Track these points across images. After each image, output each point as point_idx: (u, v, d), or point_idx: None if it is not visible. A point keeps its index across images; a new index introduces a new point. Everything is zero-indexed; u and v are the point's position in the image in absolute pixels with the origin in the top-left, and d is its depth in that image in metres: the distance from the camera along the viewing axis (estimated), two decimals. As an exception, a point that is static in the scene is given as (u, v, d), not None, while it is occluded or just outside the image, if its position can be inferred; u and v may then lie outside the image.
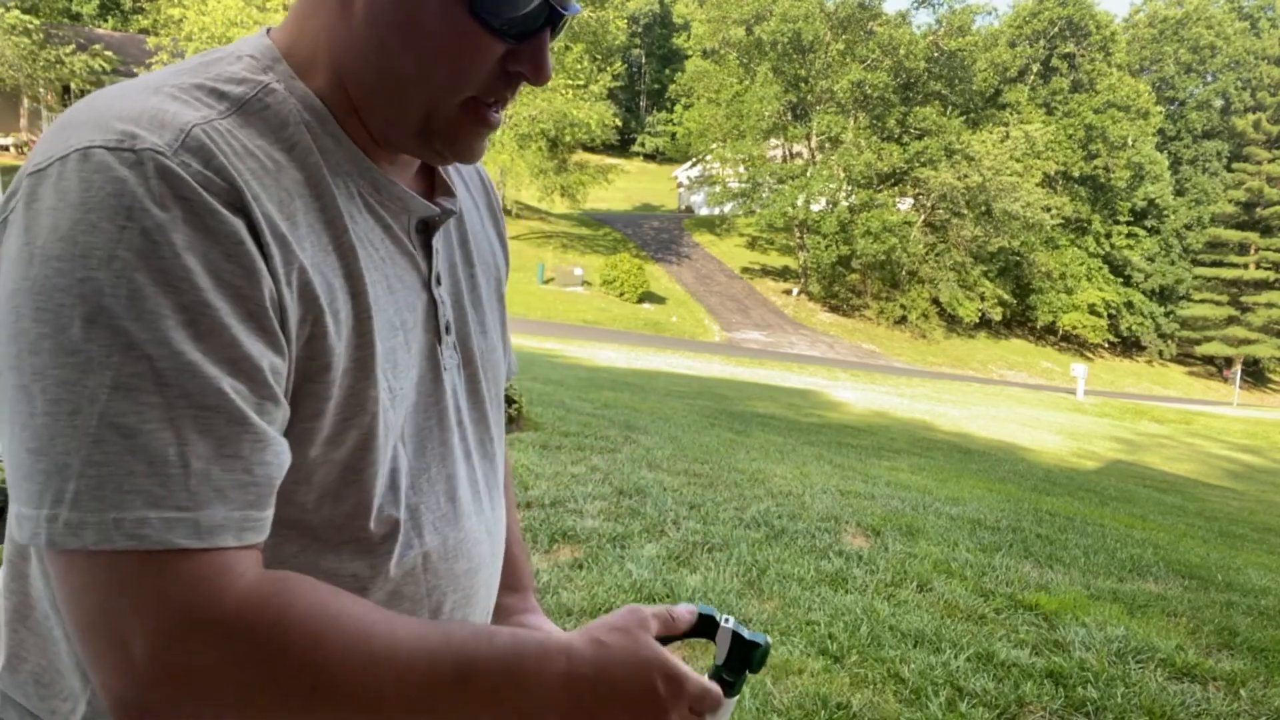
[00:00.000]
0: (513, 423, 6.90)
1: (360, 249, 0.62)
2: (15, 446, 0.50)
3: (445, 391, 0.71)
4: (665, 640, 0.66)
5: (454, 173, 0.77)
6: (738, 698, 0.74)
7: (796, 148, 41.01)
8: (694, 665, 0.72)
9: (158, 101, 0.55)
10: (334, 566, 0.62)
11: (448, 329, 0.72)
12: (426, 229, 0.70)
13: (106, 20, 43.57)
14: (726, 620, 0.72)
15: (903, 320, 38.85)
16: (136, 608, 0.48)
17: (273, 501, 0.54)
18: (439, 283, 0.71)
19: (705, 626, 0.71)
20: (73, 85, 31.36)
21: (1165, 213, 46.92)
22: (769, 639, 0.73)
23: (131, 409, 0.48)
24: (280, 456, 0.54)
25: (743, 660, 0.71)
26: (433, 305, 0.70)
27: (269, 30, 0.67)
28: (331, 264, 0.60)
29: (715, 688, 0.67)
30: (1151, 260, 47.03)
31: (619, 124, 36.72)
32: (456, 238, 0.76)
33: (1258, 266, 48.81)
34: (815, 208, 38.68)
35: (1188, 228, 48.87)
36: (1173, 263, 48.26)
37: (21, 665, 0.62)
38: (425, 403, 0.69)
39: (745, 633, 0.72)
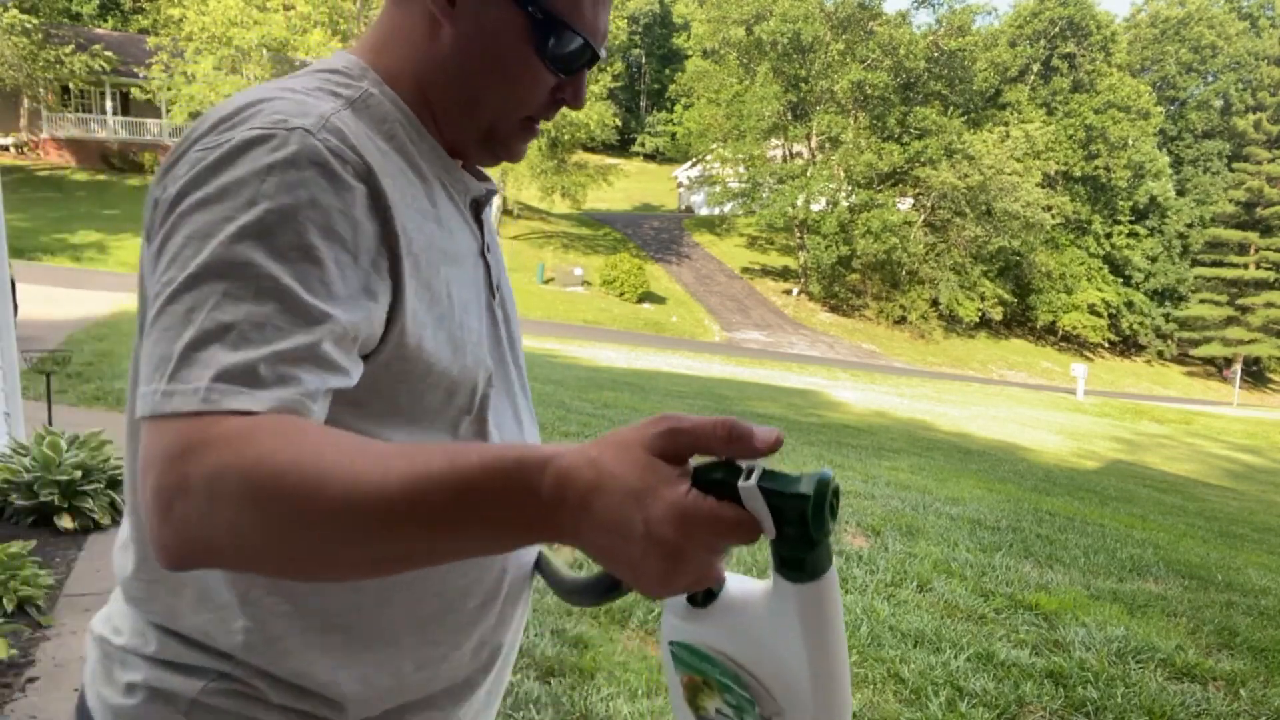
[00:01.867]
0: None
1: (444, 223, 0.77)
2: (175, 317, 0.60)
3: (501, 338, 0.86)
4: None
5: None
6: (832, 572, 0.54)
7: (796, 148, 40.98)
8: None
9: (299, 97, 0.70)
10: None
11: (497, 288, 0.86)
12: (477, 207, 0.85)
13: (106, 20, 43.55)
14: (748, 478, 0.50)
15: (903, 320, 38.83)
16: None
17: (318, 390, 0.61)
18: (489, 250, 0.85)
19: (730, 477, 0.51)
20: (72, 85, 31.37)
21: (1167, 212, 46.89)
22: (825, 474, 0.50)
23: (251, 310, 0.59)
24: (331, 376, 0.62)
25: (795, 521, 0.50)
26: (486, 269, 0.85)
27: (343, 49, 0.83)
28: (429, 231, 0.74)
29: (730, 510, 0.50)
30: (1153, 260, 47.01)
31: (619, 124, 36.69)
32: (492, 231, 0.90)
33: (1258, 266, 48.79)
34: (815, 208, 38.66)
35: (1189, 227, 48.85)
36: (1174, 262, 48.25)
37: (182, 589, 0.70)
38: (490, 345, 0.82)
39: (781, 481, 0.50)
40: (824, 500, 0.49)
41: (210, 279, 0.60)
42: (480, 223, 0.85)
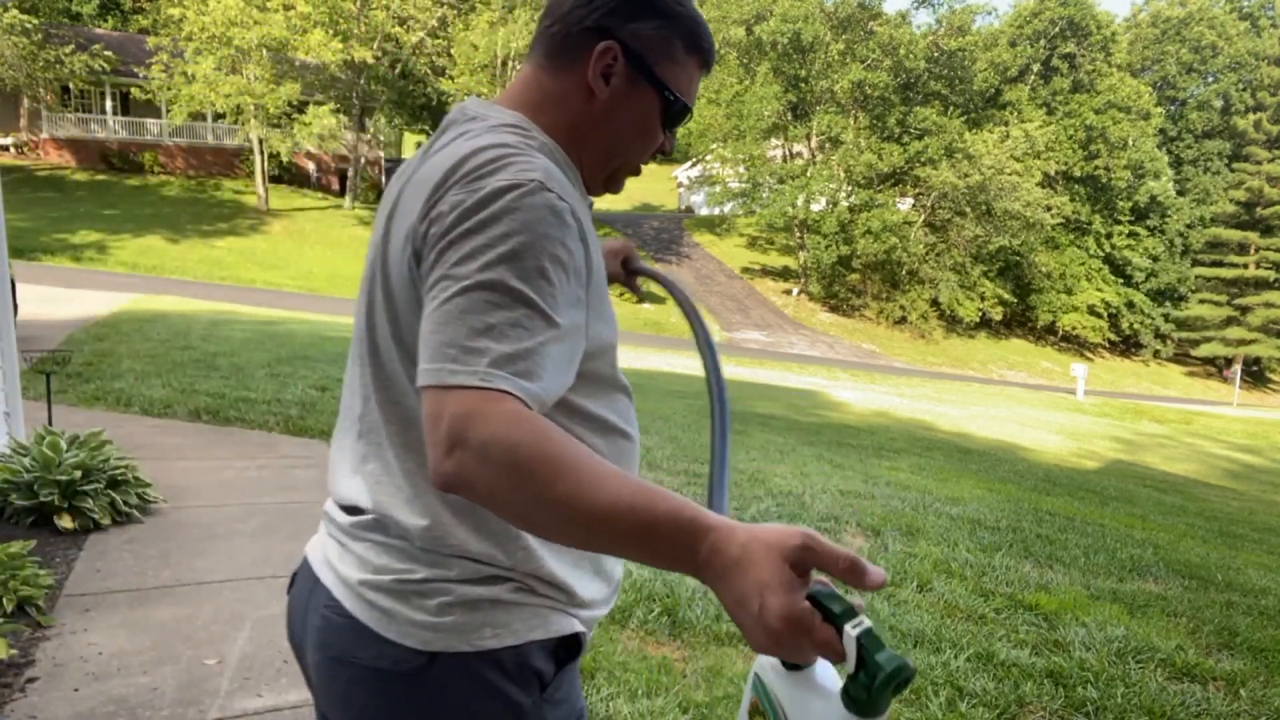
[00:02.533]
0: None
1: (592, 232, 0.97)
2: (451, 314, 0.82)
3: None
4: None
5: None
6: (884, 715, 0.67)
7: (796, 148, 40.96)
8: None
9: (525, 156, 0.91)
10: (624, 404, 1.05)
11: None
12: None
13: (106, 20, 43.54)
14: (857, 625, 0.65)
15: (903, 320, 38.82)
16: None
17: (559, 390, 0.86)
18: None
19: (840, 617, 0.67)
20: (72, 85, 31.36)
21: (1168, 211, 46.87)
22: (907, 664, 0.64)
23: (516, 316, 0.81)
24: (566, 376, 0.87)
25: (869, 679, 0.64)
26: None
27: (501, 103, 1.06)
28: (596, 244, 0.97)
29: (831, 638, 0.66)
30: (1155, 259, 47.00)
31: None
32: None
33: (1258, 266, 48.79)
34: (815, 208, 38.64)
35: (1189, 227, 48.85)
36: (1175, 262, 48.25)
37: (464, 530, 0.92)
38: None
39: (875, 646, 0.64)
40: (896, 680, 0.64)
41: (477, 290, 0.81)
42: None
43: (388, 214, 0.99)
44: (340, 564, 0.98)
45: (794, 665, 0.78)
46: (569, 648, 0.97)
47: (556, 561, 0.96)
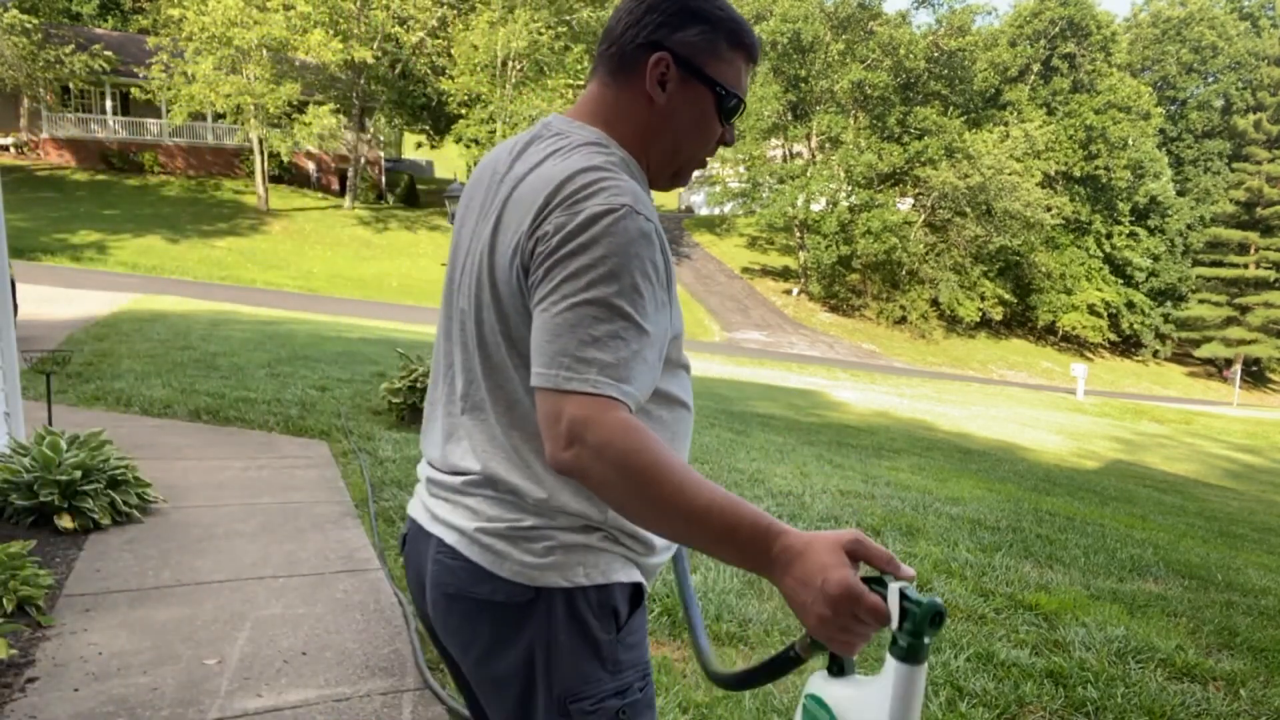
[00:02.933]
0: (513, 423, 6.91)
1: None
2: (562, 326, 0.98)
3: None
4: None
5: None
6: (924, 666, 0.85)
7: (796, 148, 40.96)
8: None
9: (613, 177, 1.04)
10: (684, 379, 1.20)
11: None
12: None
13: (106, 20, 43.52)
14: (904, 588, 0.84)
15: (903, 320, 38.81)
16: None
17: (649, 391, 1.02)
18: None
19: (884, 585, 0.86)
20: (72, 85, 31.35)
21: (1168, 211, 46.85)
22: (938, 602, 0.82)
23: (615, 329, 0.97)
24: (654, 378, 1.03)
25: (910, 622, 0.83)
26: None
27: (575, 117, 1.19)
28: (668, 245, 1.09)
29: (880, 602, 0.84)
30: (1156, 259, 46.98)
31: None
32: None
33: (1258, 266, 48.78)
34: (815, 208, 38.63)
35: (1190, 227, 48.83)
36: (1176, 261, 48.24)
37: (566, 496, 1.08)
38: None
39: (912, 594, 0.83)
40: (933, 614, 0.81)
41: (584, 306, 0.97)
42: None
43: (492, 225, 1.13)
44: (452, 516, 1.15)
45: (839, 671, 0.96)
46: (637, 595, 1.15)
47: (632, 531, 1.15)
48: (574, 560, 1.09)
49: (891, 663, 0.86)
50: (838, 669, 0.95)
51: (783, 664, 1.03)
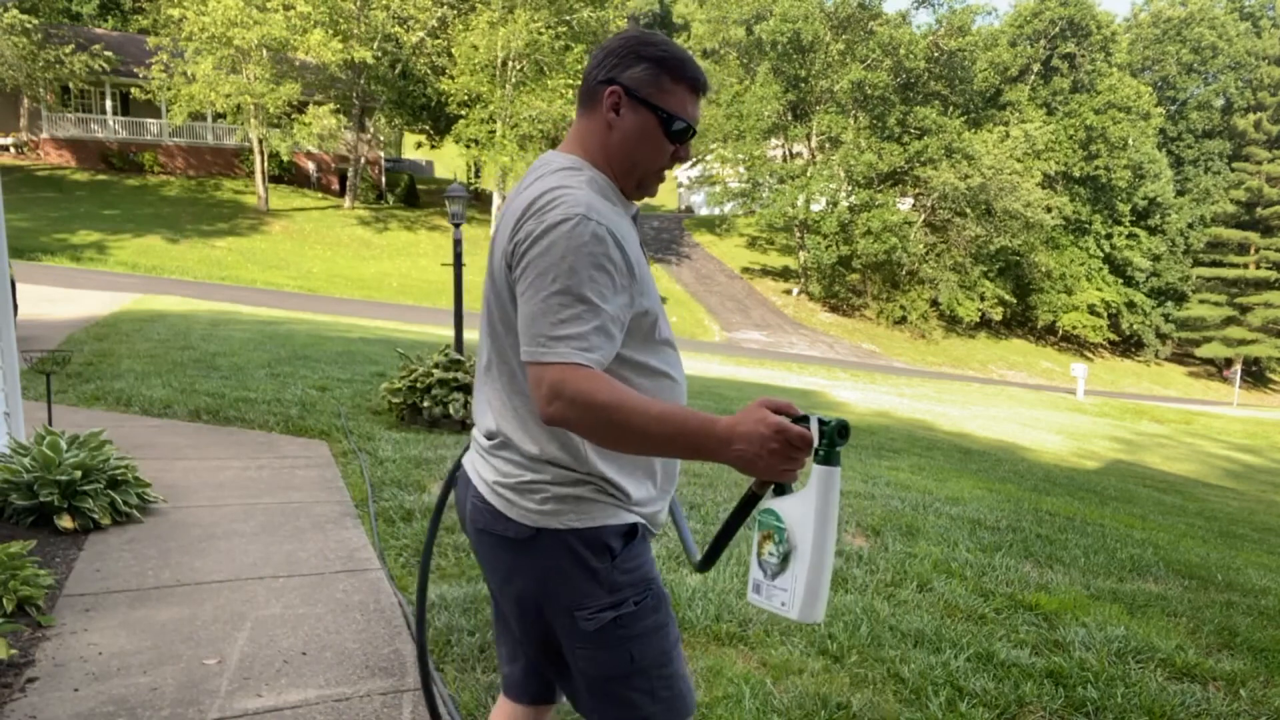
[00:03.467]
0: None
1: (631, 242, 1.38)
2: (537, 313, 1.29)
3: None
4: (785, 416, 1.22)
5: None
6: (838, 468, 1.21)
7: (796, 147, 40.95)
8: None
9: (574, 191, 1.34)
10: (668, 354, 1.49)
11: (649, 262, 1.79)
12: (634, 220, 1.50)
13: (106, 20, 43.49)
14: (818, 416, 1.20)
15: (903, 320, 38.79)
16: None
17: (611, 354, 1.32)
18: (646, 244, 1.49)
19: (804, 422, 1.20)
20: (72, 85, 31.34)
21: (1169, 212, 46.84)
22: (843, 419, 1.19)
23: (561, 314, 1.26)
24: (614, 343, 1.32)
25: (825, 437, 1.18)
26: (642, 247, 1.47)
27: (558, 148, 1.51)
28: (633, 239, 1.39)
29: (804, 430, 1.19)
30: (1157, 259, 46.98)
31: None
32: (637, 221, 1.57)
33: (1258, 266, 48.77)
34: (815, 208, 38.62)
35: (1190, 227, 48.82)
36: (1178, 261, 48.24)
37: (555, 449, 1.40)
38: (656, 294, 1.46)
39: (823, 418, 1.19)
40: (840, 426, 1.17)
41: (552, 296, 1.28)
42: (635, 222, 1.51)
43: (494, 236, 1.44)
44: (482, 470, 1.49)
45: (781, 490, 1.29)
46: (630, 533, 1.45)
47: (615, 471, 1.42)
48: (566, 509, 1.40)
49: (815, 469, 1.21)
50: (780, 490, 1.29)
51: (746, 504, 1.35)
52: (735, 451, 1.19)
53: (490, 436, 1.48)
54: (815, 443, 1.17)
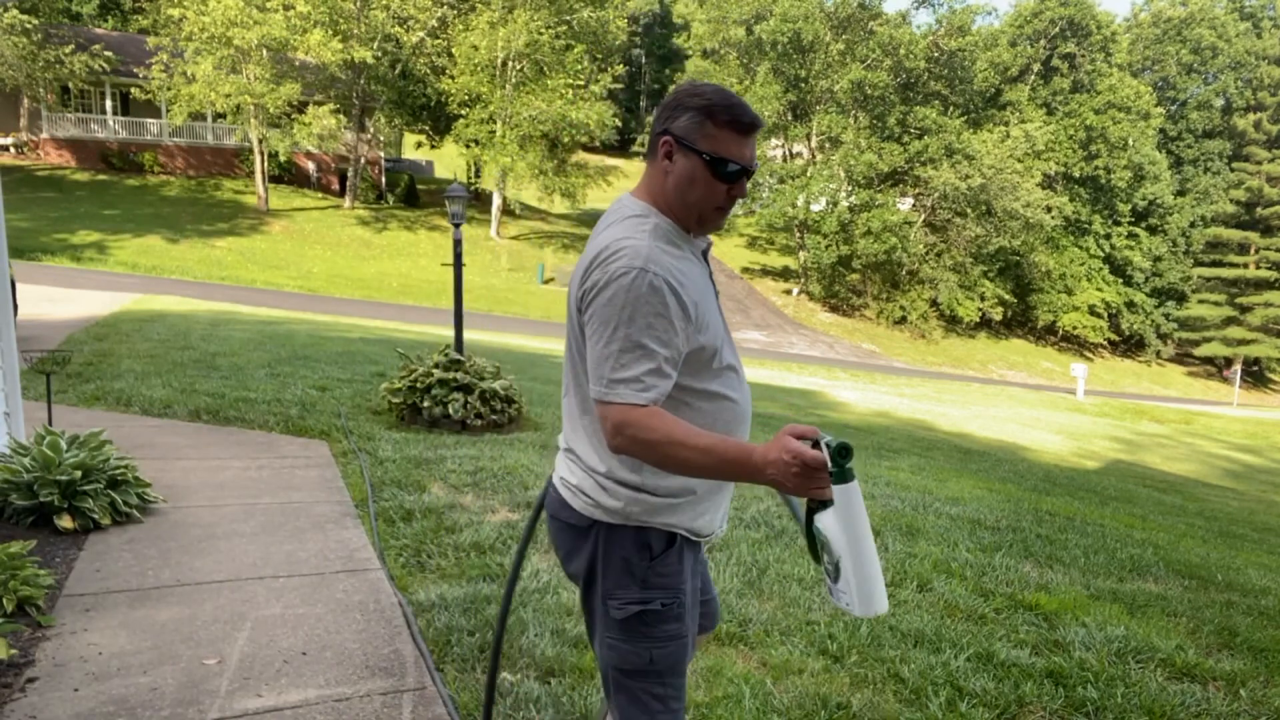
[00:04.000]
0: (512, 423, 6.90)
1: (691, 277, 1.56)
2: (601, 357, 1.50)
3: (723, 323, 1.66)
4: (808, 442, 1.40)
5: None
6: (853, 481, 1.37)
7: (797, 147, 40.96)
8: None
9: (636, 243, 1.51)
10: (729, 378, 1.66)
11: (717, 294, 1.69)
12: (704, 253, 1.69)
13: (106, 20, 43.51)
14: (826, 440, 1.36)
15: (903, 320, 38.80)
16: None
17: (667, 389, 1.51)
18: (710, 275, 1.69)
19: (819, 447, 1.37)
20: (72, 85, 31.34)
21: (1169, 213, 46.84)
22: (843, 440, 1.35)
23: (621, 359, 1.47)
24: (670, 379, 1.51)
25: (834, 458, 1.35)
26: (710, 281, 1.67)
27: (633, 194, 1.67)
28: (694, 277, 1.57)
29: (818, 454, 1.36)
30: (1159, 260, 46.97)
31: (619, 124, 36.67)
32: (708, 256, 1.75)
33: (1258, 266, 48.76)
34: (815, 208, 38.62)
35: (1191, 227, 48.82)
36: (1179, 261, 48.24)
37: (622, 471, 1.61)
38: (721, 322, 1.65)
39: (830, 440, 1.36)
40: (839, 447, 1.32)
41: (614, 342, 1.47)
42: (705, 257, 1.70)
43: (573, 276, 1.62)
44: (560, 467, 1.76)
45: (822, 507, 1.42)
46: (670, 541, 1.64)
47: (650, 476, 1.61)
48: (615, 508, 1.62)
49: (834, 488, 1.37)
50: (820, 506, 1.43)
51: (808, 517, 1.49)
52: (769, 476, 1.39)
53: (566, 443, 1.75)
54: (829, 464, 1.34)
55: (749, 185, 1.64)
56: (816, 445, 1.35)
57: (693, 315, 1.52)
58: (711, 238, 1.85)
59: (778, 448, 1.37)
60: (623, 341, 1.45)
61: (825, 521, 1.41)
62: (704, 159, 1.55)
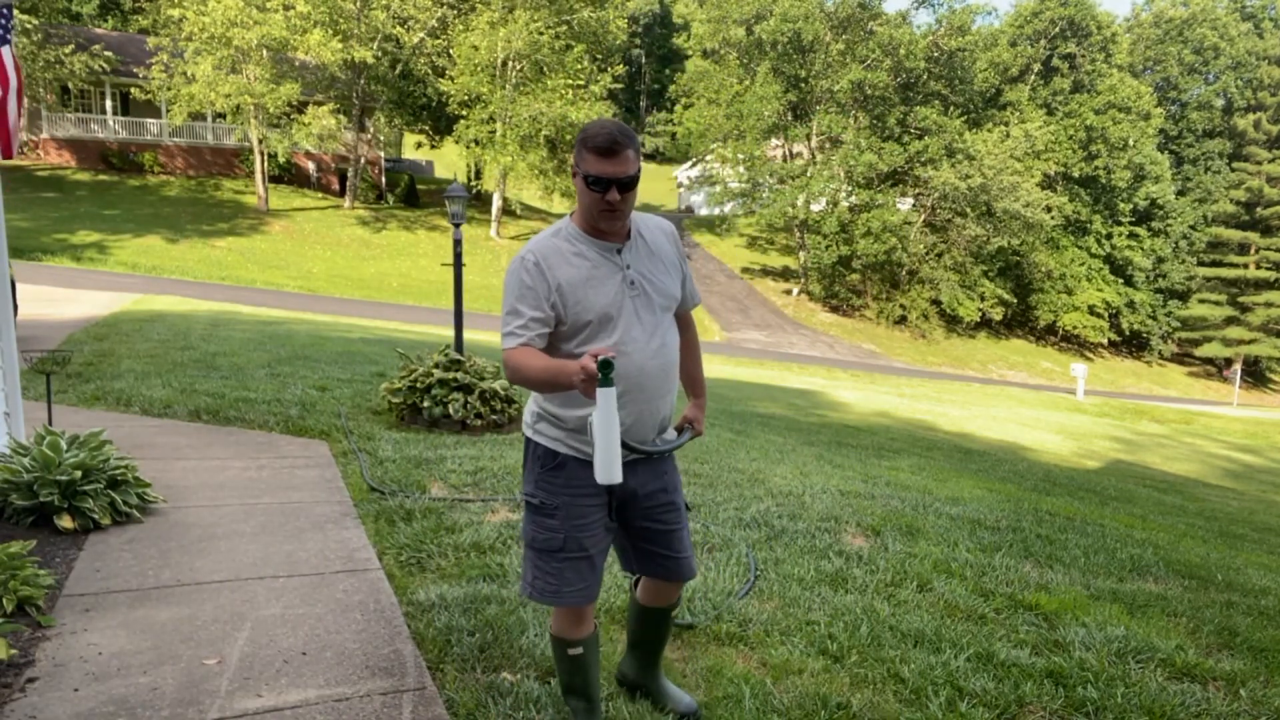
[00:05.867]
0: (512, 423, 6.90)
1: (578, 267, 2.14)
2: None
3: (625, 300, 2.17)
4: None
5: (647, 231, 2.30)
6: (610, 388, 1.89)
7: (797, 147, 40.93)
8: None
9: (542, 238, 2.19)
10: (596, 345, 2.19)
11: (632, 283, 2.18)
12: (619, 250, 2.19)
13: (106, 20, 43.53)
14: (602, 358, 1.87)
15: (903, 320, 38.79)
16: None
17: (538, 341, 2.12)
18: (628, 266, 2.18)
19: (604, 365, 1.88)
20: (72, 85, 31.35)
21: (1171, 213, 46.84)
22: (608, 359, 1.88)
23: (503, 320, 2.13)
24: (539, 339, 2.13)
25: (600, 371, 1.87)
26: (620, 272, 2.17)
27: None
28: (575, 270, 2.14)
29: (591, 366, 1.87)
30: (1161, 260, 46.98)
31: (619, 124, 36.59)
32: (646, 250, 2.25)
33: (1258, 266, 48.77)
34: (815, 208, 38.61)
35: (1192, 227, 48.83)
36: (1181, 261, 48.25)
37: (533, 398, 2.31)
38: (616, 303, 2.15)
39: (605, 359, 1.87)
40: (603, 363, 1.87)
41: (504, 305, 2.13)
42: (621, 251, 2.20)
43: None
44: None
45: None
46: (553, 456, 2.21)
47: (556, 408, 2.18)
48: (536, 429, 2.25)
49: (598, 390, 1.89)
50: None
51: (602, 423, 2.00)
52: (574, 383, 1.92)
53: None
54: (599, 376, 1.87)
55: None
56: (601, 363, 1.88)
57: (564, 292, 2.09)
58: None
59: (577, 365, 1.90)
60: (505, 306, 2.10)
61: (591, 415, 1.96)
62: (584, 178, 2.08)
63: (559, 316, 2.10)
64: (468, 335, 7.82)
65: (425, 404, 6.52)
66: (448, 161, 47.21)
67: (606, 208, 2.06)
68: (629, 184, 2.06)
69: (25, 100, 30.66)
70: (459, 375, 6.65)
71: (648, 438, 2.21)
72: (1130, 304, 45.98)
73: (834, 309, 38.74)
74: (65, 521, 3.73)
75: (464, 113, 33.82)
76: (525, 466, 2.25)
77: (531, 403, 2.25)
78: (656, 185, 58.57)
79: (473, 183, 42.54)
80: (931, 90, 40.00)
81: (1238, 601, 4.15)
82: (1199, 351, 48.13)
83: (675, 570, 2.36)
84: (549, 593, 2.18)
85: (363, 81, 33.84)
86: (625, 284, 2.14)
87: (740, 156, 38.77)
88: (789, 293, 39.17)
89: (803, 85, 38.72)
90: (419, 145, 47.33)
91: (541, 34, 32.33)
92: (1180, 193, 49.14)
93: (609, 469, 1.93)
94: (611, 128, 2.04)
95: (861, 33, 38.25)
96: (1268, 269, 48.24)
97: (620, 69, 36.84)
